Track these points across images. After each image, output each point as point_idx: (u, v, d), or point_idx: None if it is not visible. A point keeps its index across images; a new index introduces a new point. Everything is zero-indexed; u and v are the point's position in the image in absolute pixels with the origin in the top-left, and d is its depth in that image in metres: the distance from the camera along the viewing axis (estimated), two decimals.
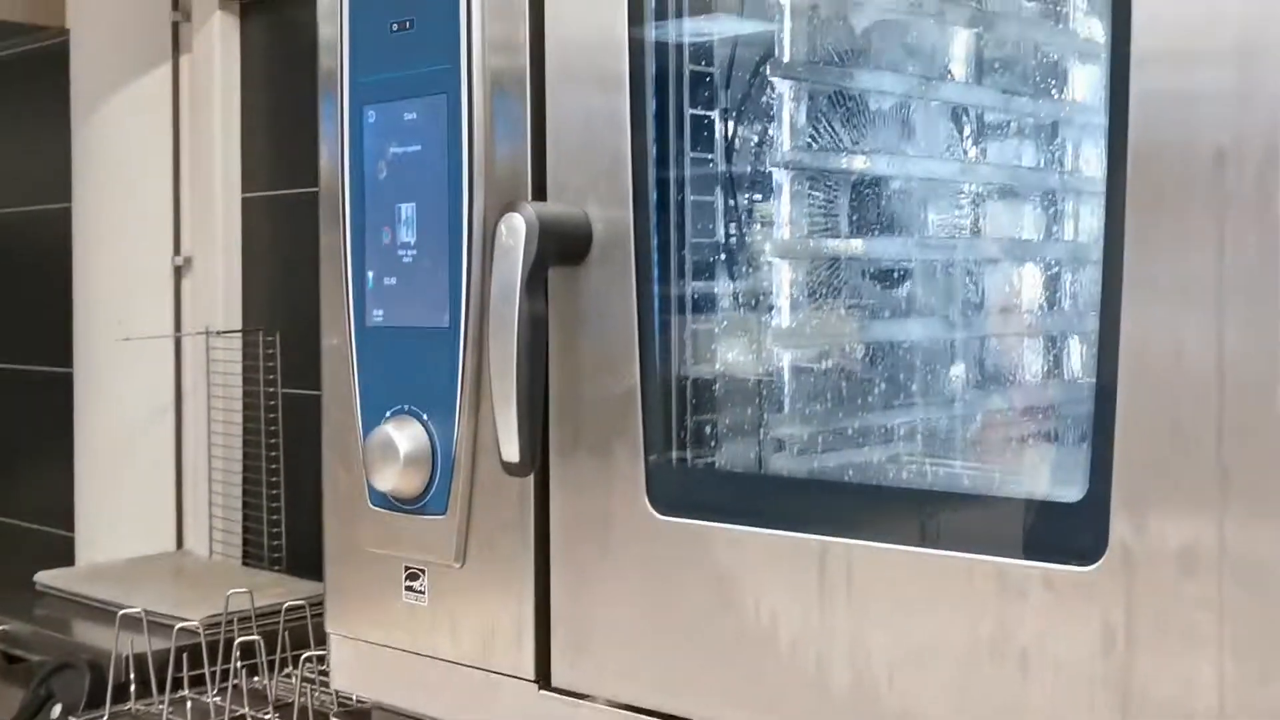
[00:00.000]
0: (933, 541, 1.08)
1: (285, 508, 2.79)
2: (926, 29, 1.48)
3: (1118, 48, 0.97)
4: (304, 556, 2.73)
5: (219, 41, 2.94)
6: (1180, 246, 0.94)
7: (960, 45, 1.51)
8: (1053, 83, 1.52)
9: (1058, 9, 1.53)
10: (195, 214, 3.01)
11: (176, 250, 3.04)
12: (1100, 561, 0.98)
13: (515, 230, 1.23)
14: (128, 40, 3.05)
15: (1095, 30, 1.52)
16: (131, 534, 3.02)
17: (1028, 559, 1.02)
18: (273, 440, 2.82)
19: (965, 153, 1.52)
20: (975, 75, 1.52)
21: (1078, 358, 1.41)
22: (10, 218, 3.55)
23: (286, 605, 2.16)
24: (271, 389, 2.83)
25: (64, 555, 3.16)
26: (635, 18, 1.25)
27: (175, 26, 3.03)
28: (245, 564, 2.87)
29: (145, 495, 3.04)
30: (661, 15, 1.28)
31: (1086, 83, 1.51)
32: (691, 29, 1.32)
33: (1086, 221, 1.49)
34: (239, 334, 2.91)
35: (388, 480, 1.38)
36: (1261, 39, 0.90)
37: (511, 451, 1.23)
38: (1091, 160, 1.49)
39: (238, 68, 2.95)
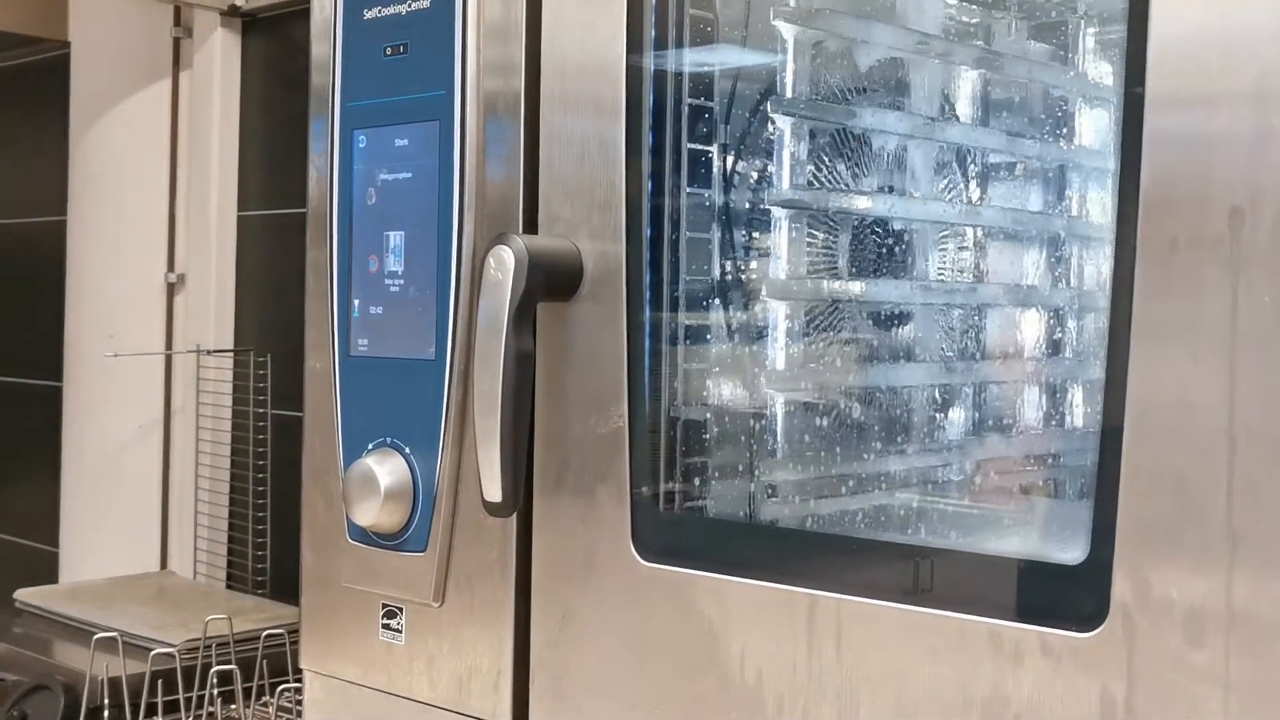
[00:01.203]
0: (925, 599, 1.04)
1: (271, 531, 2.75)
2: (932, 69, 1.45)
3: (1131, 88, 0.93)
4: (289, 581, 2.69)
5: (219, 58, 2.91)
6: (1192, 300, 0.90)
7: (966, 86, 1.48)
8: (1060, 126, 1.49)
9: (1066, 51, 1.51)
10: (190, 231, 2.98)
11: (170, 267, 3.01)
12: (1101, 628, 0.94)
13: (504, 263, 1.19)
14: (128, 55, 3.03)
15: (1104, 73, 1.49)
16: (116, 552, 2.98)
17: (1024, 622, 0.98)
18: (261, 462, 2.79)
19: (969, 195, 1.49)
20: (981, 117, 1.49)
21: (1080, 407, 1.38)
22: (5, 229, 3.52)
23: (266, 632, 2.12)
24: (261, 410, 2.79)
25: (48, 571, 3.12)
26: (634, 45, 1.22)
27: (176, 42, 3.01)
28: (229, 587, 2.82)
29: (131, 513, 3.00)
30: (661, 44, 1.25)
31: (1094, 126, 1.48)
32: (691, 60, 1.29)
33: (1091, 268, 1.46)
34: (230, 353, 2.87)
35: (367, 515, 1.34)
36: (1278, 96, 0.87)
37: (494, 490, 1.20)
38: (1097, 206, 1.46)
39: (238, 85, 2.93)
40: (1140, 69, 0.93)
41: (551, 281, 1.22)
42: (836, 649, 1.07)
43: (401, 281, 1.36)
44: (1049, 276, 1.46)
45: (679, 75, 1.28)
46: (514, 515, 1.25)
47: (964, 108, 1.49)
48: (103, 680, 2.08)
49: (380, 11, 1.38)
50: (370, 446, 1.37)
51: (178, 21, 3.00)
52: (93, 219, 3.05)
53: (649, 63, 1.23)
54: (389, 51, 1.37)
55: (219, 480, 2.87)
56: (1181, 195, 0.91)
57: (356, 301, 1.40)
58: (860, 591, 1.06)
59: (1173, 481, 0.91)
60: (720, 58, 1.34)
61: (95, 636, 2.10)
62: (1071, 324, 1.43)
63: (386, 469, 1.34)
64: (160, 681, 2.07)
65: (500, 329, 1.19)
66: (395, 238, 1.37)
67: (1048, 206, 1.48)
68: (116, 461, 3.00)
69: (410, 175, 1.35)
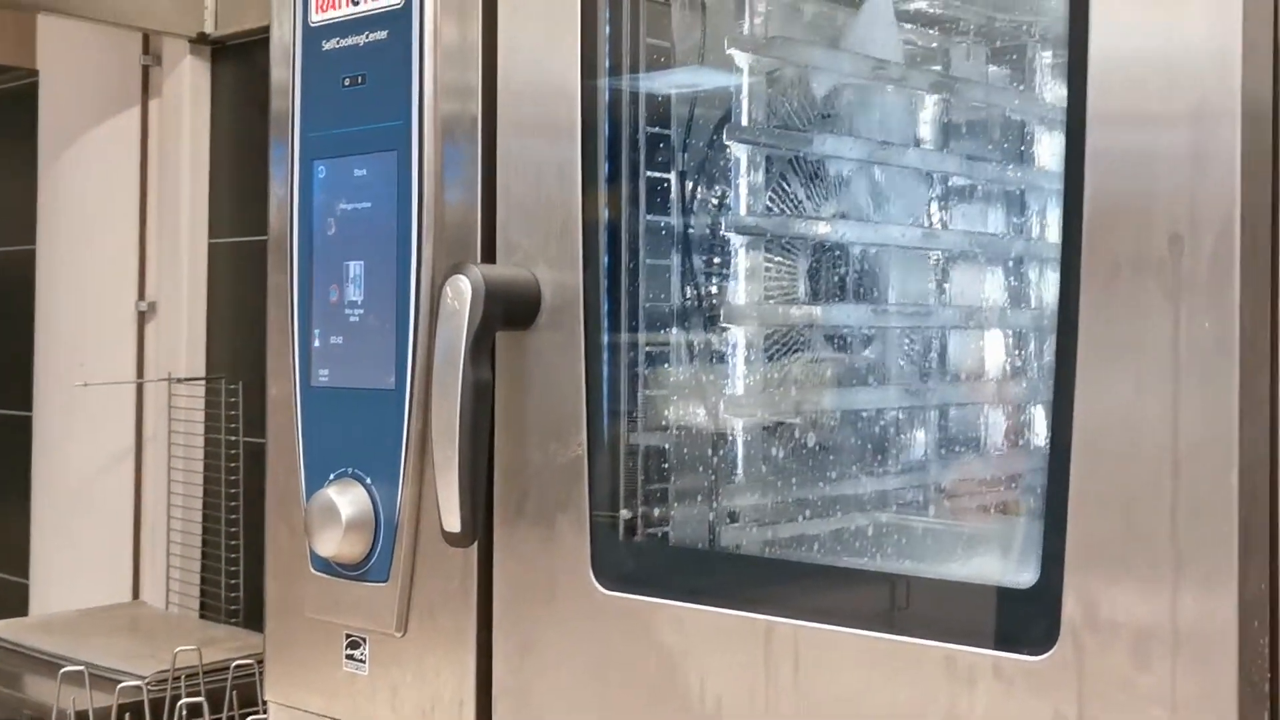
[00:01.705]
0: (881, 625, 1.04)
1: (244, 559, 2.74)
2: (889, 94, 1.46)
3: (1072, 109, 0.94)
4: (261, 609, 2.67)
5: (189, 86, 2.91)
6: (1136, 324, 0.91)
7: (924, 111, 1.50)
8: (1017, 149, 1.50)
9: (1023, 74, 1.52)
10: (161, 258, 2.97)
11: (141, 295, 3.00)
12: (1052, 651, 0.94)
13: (461, 293, 1.20)
14: (97, 82, 3.02)
15: (1060, 95, 1.50)
16: (87, 583, 2.97)
17: (978, 646, 0.99)
18: (233, 490, 2.78)
19: (928, 219, 1.50)
20: (939, 140, 1.50)
21: (1036, 429, 1.39)
22: None
23: (235, 663, 2.11)
24: (233, 437, 2.79)
25: (18, 603, 3.11)
26: (589, 70, 1.23)
27: (145, 70, 3.01)
28: (203, 616, 2.81)
29: (102, 543, 2.99)
30: (616, 71, 1.26)
31: (1051, 149, 1.49)
32: (648, 86, 1.30)
33: (1049, 289, 1.47)
34: (202, 381, 2.87)
35: (329, 545, 1.34)
36: (1218, 102, 0.88)
37: (453, 521, 1.20)
38: (1054, 228, 1.47)
39: (207, 113, 2.93)
40: (1081, 90, 0.94)
41: (509, 310, 1.22)
42: (794, 675, 1.07)
43: (361, 311, 1.36)
44: (1007, 299, 1.47)
45: (635, 101, 1.28)
46: (474, 545, 1.25)
47: (922, 132, 1.50)
48: (70, 714, 2.07)
49: (339, 42, 1.39)
50: (332, 476, 1.37)
51: (147, 49, 3.00)
52: (62, 247, 3.05)
53: (604, 88, 1.24)
54: (347, 82, 1.38)
55: (191, 509, 2.86)
56: (1123, 218, 0.92)
57: (317, 331, 1.40)
58: (817, 617, 1.07)
59: (1119, 504, 0.92)
60: (677, 84, 1.35)
61: (62, 670, 2.09)
62: (1028, 346, 1.44)
63: (348, 499, 1.34)
64: (128, 715, 2.06)
65: (458, 359, 1.19)
66: (355, 267, 1.37)
67: (1007, 229, 1.50)
68: (88, 491, 2.98)
69: (369, 205, 1.36)
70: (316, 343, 1.40)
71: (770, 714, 1.08)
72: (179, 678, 2.11)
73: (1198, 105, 0.89)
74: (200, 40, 2.91)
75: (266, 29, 2.71)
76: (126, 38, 2.96)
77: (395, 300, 1.33)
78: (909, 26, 1.52)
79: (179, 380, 2.87)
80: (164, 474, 2.90)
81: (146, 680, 2.10)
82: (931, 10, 1.50)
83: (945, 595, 1.05)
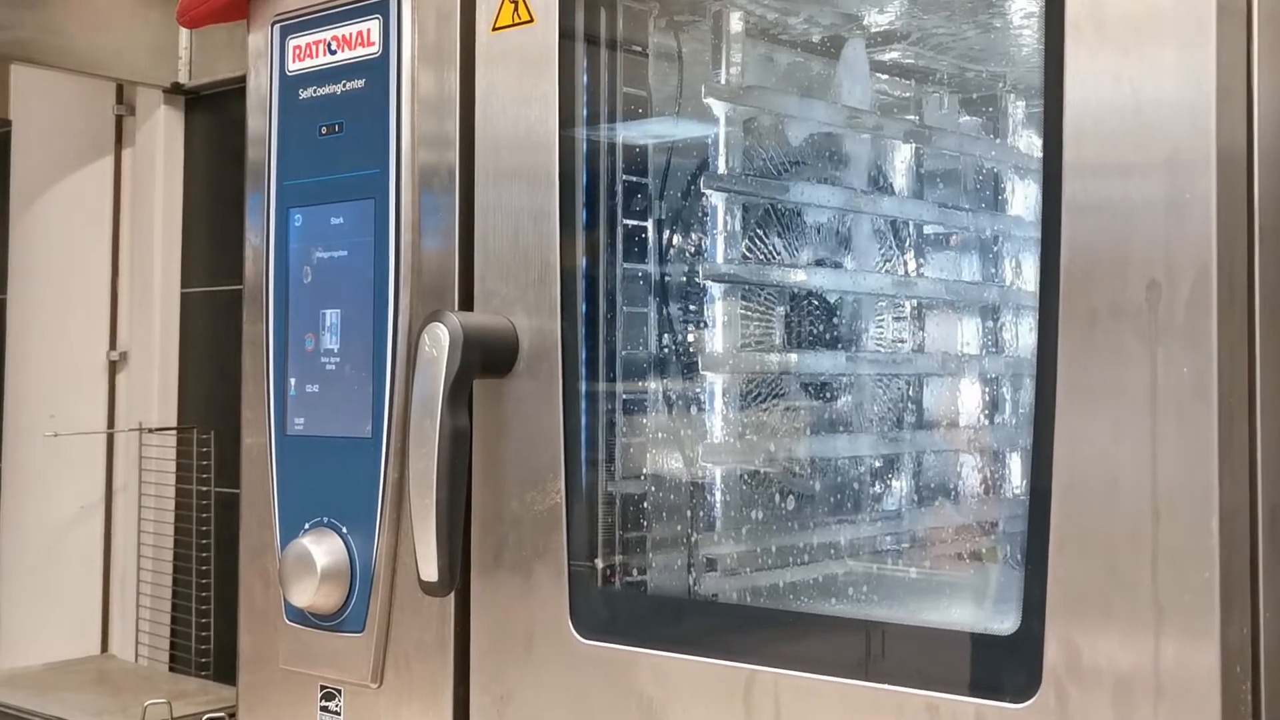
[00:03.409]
0: (862, 673, 1.03)
1: (215, 611, 2.71)
2: (864, 143, 1.47)
3: (1050, 163, 0.95)
4: (233, 662, 2.64)
5: (162, 136, 2.91)
6: (1114, 370, 0.91)
7: (898, 159, 1.51)
8: (991, 197, 1.51)
9: (996, 124, 1.53)
10: (133, 308, 2.96)
11: (112, 344, 2.99)
12: (1034, 698, 0.94)
13: (439, 340, 1.19)
14: (70, 132, 3.02)
15: (1034, 144, 1.52)
16: (56, 635, 2.93)
17: (960, 694, 0.98)
18: (205, 541, 2.75)
19: (903, 267, 1.50)
20: (914, 189, 1.51)
21: (1016, 474, 1.39)
22: None
23: (206, 716, 2.09)
24: (205, 488, 2.76)
25: None
26: (567, 121, 1.23)
27: (119, 119, 3.01)
28: (172, 669, 2.78)
29: (72, 595, 2.95)
30: (594, 121, 1.26)
31: (1024, 197, 1.50)
32: (625, 135, 1.30)
33: (1024, 336, 1.47)
34: (173, 431, 2.85)
35: (304, 595, 1.33)
36: (1191, 157, 0.89)
37: (430, 570, 1.19)
38: (1029, 274, 1.48)
39: (181, 162, 2.93)
40: (1057, 140, 0.94)
41: (487, 358, 1.22)
42: None
43: (338, 359, 1.35)
44: (985, 345, 1.47)
45: (612, 150, 1.29)
46: (452, 594, 1.24)
47: (897, 180, 1.51)
48: None
49: (316, 91, 1.39)
50: (307, 526, 1.36)
51: (120, 99, 3.00)
52: (34, 297, 3.03)
53: (581, 137, 1.24)
54: (324, 131, 1.38)
55: (162, 560, 2.83)
56: (1100, 266, 0.92)
57: (293, 380, 1.39)
58: (798, 666, 1.06)
59: (1100, 550, 0.92)
60: (654, 134, 1.35)
61: None
62: (1006, 392, 1.44)
63: (323, 549, 1.33)
64: None
65: (435, 407, 1.18)
66: (331, 316, 1.36)
67: (982, 276, 1.50)
68: (57, 542, 2.95)
69: (346, 253, 1.35)
70: (292, 391, 1.39)
71: None
72: None
73: (1172, 153, 0.89)
74: (174, 90, 2.91)
75: (240, 79, 2.72)
76: (100, 87, 2.96)
77: (372, 348, 1.32)
78: (883, 77, 1.54)
79: (150, 430, 2.85)
80: (134, 525, 2.87)
81: None
82: (905, 61, 1.51)
83: (926, 642, 1.04)
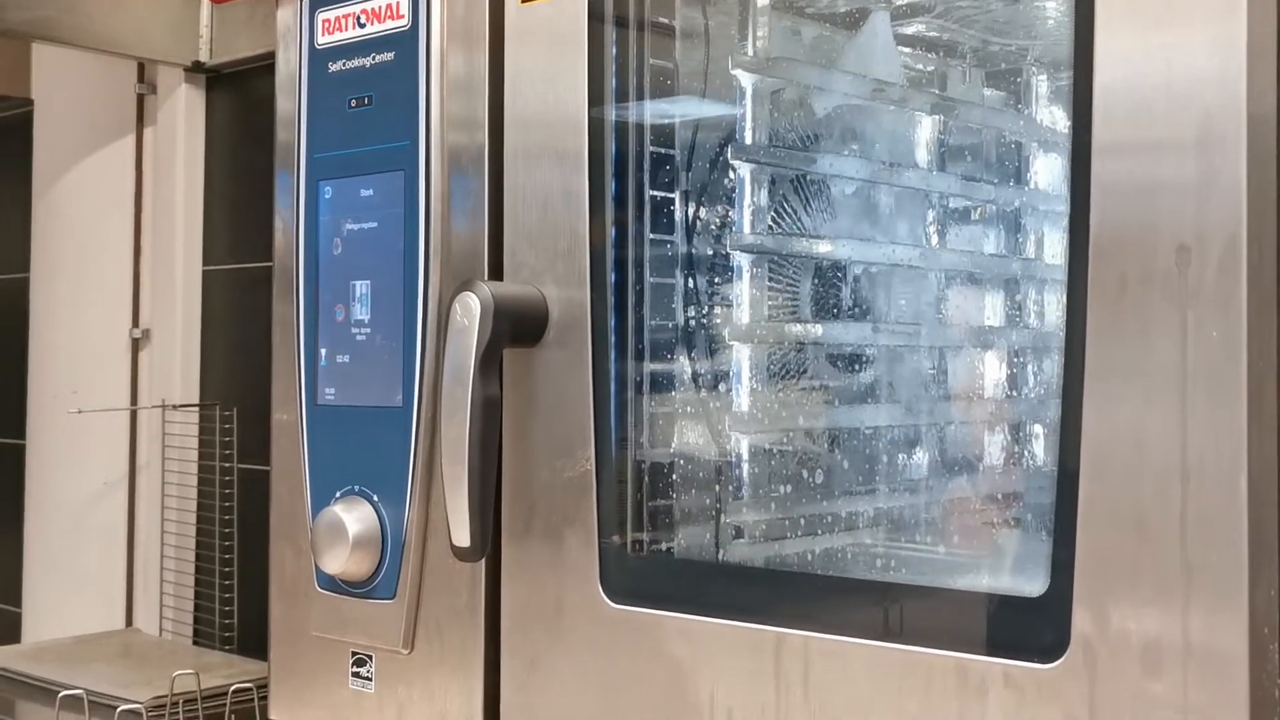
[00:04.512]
0: (892, 635, 1.05)
1: (238, 586, 2.73)
2: (889, 115, 1.48)
3: (1079, 137, 0.96)
4: (256, 636, 2.68)
5: (183, 114, 2.92)
6: (1143, 339, 0.92)
7: (923, 132, 1.51)
8: (1015, 170, 1.52)
9: (1019, 97, 1.54)
10: (155, 286, 2.98)
11: (135, 322, 3.00)
12: (1062, 659, 0.95)
13: (470, 310, 1.21)
14: (92, 111, 3.03)
15: (1058, 118, 1.52)
16: (80, 611, 2.96)
17: (988, 655, 0.99)
18: (227, 517, 2.77)
19: (927, 238, 1.51)
20: (937, 162, 1.52)
21: (1041, 445, 1.40)
22: None
23: (234, 687, 2.11)
24: (227, 464, 2.78)
25: (10, 632, 3.09)
26: (596, 97, 1.24)
27: (140, 98, 3.02)
28: (196, 643, 2.80)
29: (96, 571, 2.98)
30: (622, 95, 1.27)
31: (1048, 170, 1.51)
32: (653, 109, 1.31)
33: (1050, 308, 1.48)
34: (196, 408, 2.86)
35: (335, 563, 1.34)
36: (1222, 130, 0.89)
37: (462, 536, 1.20)
38: (1053, 247, 1.49)
39: (202, 140, 2.94)
40: (1086, 115, 0.95)
41: (517, 328, 1.23)
42: (804, 687, 1.07)
43: (368, 330, 1.37)
44: (1009, 318, 1.48)
45: (640, 125, 1.30)
46: (482, 560, 1.26)
47: (921, 153, 1.52)
48: None
49: (345, 64, 1.40)
50: (338, 495, 1.38)
51: (142, 78, 3.01)
52: (57, 275, 3.05)
53: (611, 113, 1.26)
54: (354, 104, 1.39)
55: (185, 536, 2.85)
56: (1129, 235, 0.93)
57: (324, 351, 1.41)
58: (828, 629, 1.07)
59: (1129, 517, 0.93)
60: (681, 107, 1.36)
61: (60, 695, 2.08)
62: (1031, 363, 1.45)
63: (354, 516, 1.34)
64: None
65: (467, 375, 1.20)
66: (361, 287, 1.38)
67: (1006, 249, 1.51)
68: (81, 519, 2.98)
69: (376, 225, 1.37)
70: (323, 361, 1.41)
71: None
72: (177, 703, 2.10)
73: (1204, 117, 0.90)
74: (195, 69, 2.92)
75: (262, 57, 2.75)
76: (121, 66, 2.98)
77: (402, 318, 1.33)
78: (907, 50, 1.54)
79: (173, 407, 2.87)
80: (158, 501, 2.89)
81: (144, 704, 2.09)
82: (930, 34, 1.52)
83: (954, 605, 1.05)
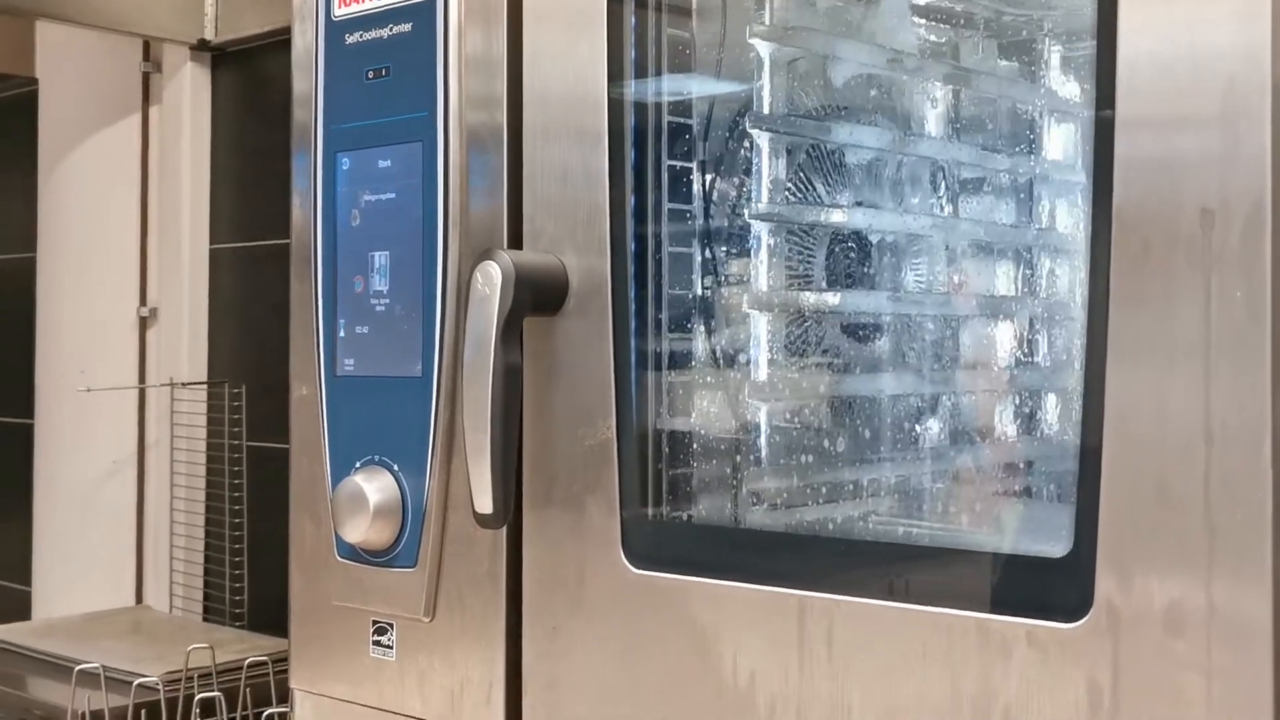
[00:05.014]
0: (915, 597, 1.06)
1: (248, 563, 2.75)
2: (904, 85, 1.48)
3: (1101, 109, 0.96)
4: (266, 612, 2.69)
5: (189, 93, 2.92)
6: (1166, 304, 0.93)
7: (938, 101, 1.52)
8: (1030, 140, 1.52)
9: (1033, 68, 1.54)
10: (162, 265, 2.98)
11: (142, 301, 3.01)
12: (1085, 619, 0.96)
13: (491, 278, 1.21)
14: (97, 90, 3.03)
15: (1072, 89, 1.53)
16: (90, 589, 2.97)
17: (1011, 615, 1.00)
18: (236, 494, 2.79)
19: (942, 208, 1.52)
20: (952, 131, 1.53)
21: (1062, 411, 1.41)
22: None
23: (249, 661, 2.12)
24: (236, 441, 2.79)
25: (20, 610, 3.10)
26: (615, 72, 1.25)
27: (146, 77, 3.02)
28: (206, 619, 2.82)
29: (105, 549, 2.99)
30: (641, 68, 1.28)
31: (1063, 141, 1.51)
32: (671, 83, 1.31)
33: (1063, 277, 1.49)
34: (204, 386, 2.87)
35: (356, 532, 1.35)
36: (1246, 98, 0.90)
37: (485, 503, 1.21)
38: (1067, 217, 1.49)
39: (208, 119, 2.94)
40: (1110, 87, 0.96)
41: (538, 296, 1.24)
42: (828, 649, 1.08)
43: (387, 301, 1.37)
44: (1025, 286, 1.49)
45: (659, 96, 1.30)
46: (504, 528, 1.26)
47: (935, 123, 1.52)
48: (85, 714, 2.07)
49: (362, 36, 1.41)
50: (358, 464, 1.38)
51: (147, 56, 3.01)
52: (63, 255, 3.05)
53: (630, 88, 1.26)
54: (371, 75, 1.39)
55: (194, 513, 2.86)
56: (1152, 203, 0.94)
57: (342, 322, 1.41)
58: (850, 591, 1.08)
59: (1152, 474, 0.94)
60: (699, 77, 1.36)
61: (77, 669, 2.09)
62: (1049, 332, 1.46)
63: (375, 486, 1.35)
64: (144, 713, 2.06)
65: (489, 344, 1.20)
66: (380, 258, 1.38)
67: (1021, 219, 1.52)
68: (90, 497, 2.99)
69: (394, 195, 1.37)
70: (342, 332, 1.41)
71: (805, 687, 1.09)
72: (192, 677, 2.11)
73: (1228, 86, 0.91)
74: (200, 47, 2.92)
75: (268, 35, 2.74)
76: (126, 45, 2.97)
77: (421, 289, 1.34)
78: (921, 21, 1.54)
79: (181, 385, 2.88)
80: (166, 479, 2.90)
81: (160, 678, 2.10)
82: (944, 4, 1.52)
83: (977, 566, 1.06)
